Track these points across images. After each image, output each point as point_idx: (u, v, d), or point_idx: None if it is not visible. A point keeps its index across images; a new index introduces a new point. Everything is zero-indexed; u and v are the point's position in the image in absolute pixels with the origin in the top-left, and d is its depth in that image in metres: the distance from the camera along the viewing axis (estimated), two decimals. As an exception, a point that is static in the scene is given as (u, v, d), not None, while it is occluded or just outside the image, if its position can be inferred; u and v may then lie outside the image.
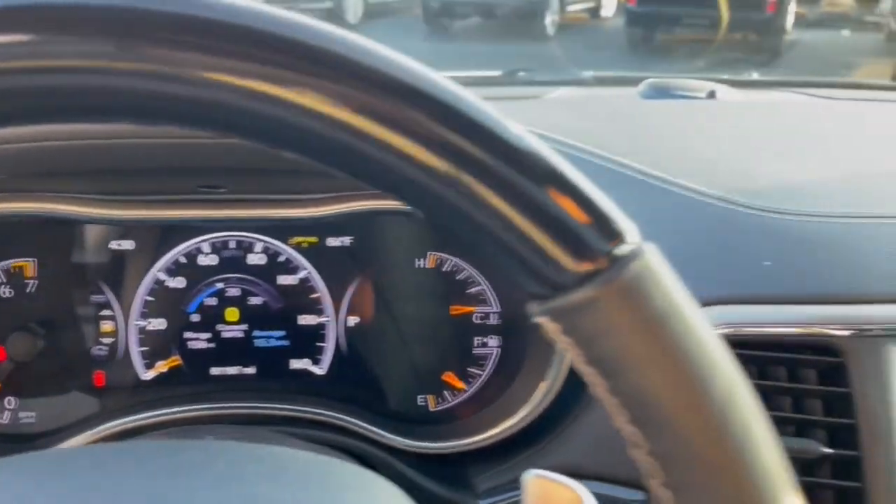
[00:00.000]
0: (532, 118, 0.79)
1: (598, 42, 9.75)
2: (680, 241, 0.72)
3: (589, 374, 0.27)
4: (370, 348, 0.81)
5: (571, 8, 10.55)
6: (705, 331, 0.27)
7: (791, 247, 0.74)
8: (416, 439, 0.75)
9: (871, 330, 0.68)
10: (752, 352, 0.68)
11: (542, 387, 0.72)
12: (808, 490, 0.67)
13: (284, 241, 0.78)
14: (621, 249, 0.26)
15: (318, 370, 0.80)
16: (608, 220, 0.26)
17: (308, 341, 0.80)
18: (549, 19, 9.42)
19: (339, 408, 0.76)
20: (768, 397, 0.69)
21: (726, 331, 0.68)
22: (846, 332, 0.68)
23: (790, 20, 9.05)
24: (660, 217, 0.73)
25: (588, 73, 1.55)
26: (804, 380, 0.69)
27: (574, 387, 0.70)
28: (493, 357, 0.82)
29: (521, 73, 1.51)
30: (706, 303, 0.69)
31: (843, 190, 0.84)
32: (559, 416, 0.72)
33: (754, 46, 8.71)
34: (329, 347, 0.80)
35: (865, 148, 1.02)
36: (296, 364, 0.80)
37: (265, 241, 0.78)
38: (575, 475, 0.39)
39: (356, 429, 0.75)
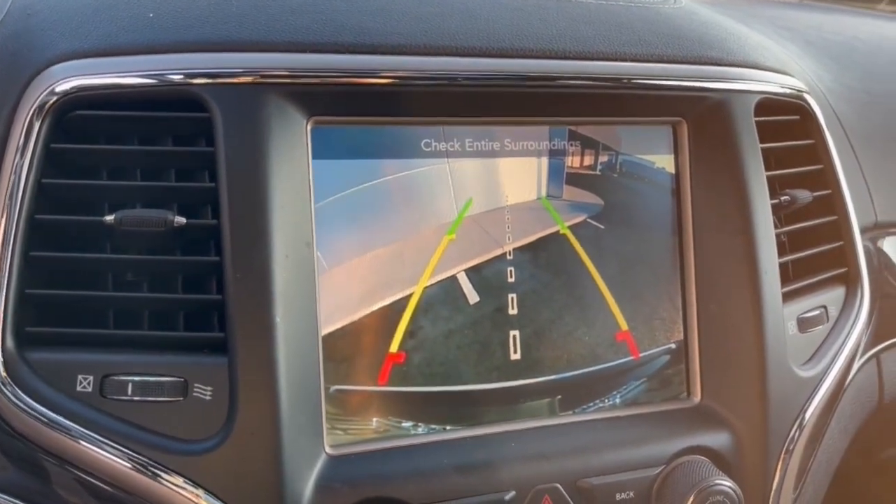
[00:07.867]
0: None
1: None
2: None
3: None
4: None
5: None
6: None
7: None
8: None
9: (237, 77, 0.60)
10: (103, 112, 0.60)
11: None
12: (158, 268, 0.61)
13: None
14: None
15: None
16: None
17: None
18: None
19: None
20: (129, 170, 0.61)
21: (67, 85, 0.59)
22: (207, 81, 0.60)
23: None
24: None
25: None
26: (161, 143, 0.62)
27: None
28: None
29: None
30: (56, 60, 0.60)
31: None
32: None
33: None
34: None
35: None
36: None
37: None
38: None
39: None
